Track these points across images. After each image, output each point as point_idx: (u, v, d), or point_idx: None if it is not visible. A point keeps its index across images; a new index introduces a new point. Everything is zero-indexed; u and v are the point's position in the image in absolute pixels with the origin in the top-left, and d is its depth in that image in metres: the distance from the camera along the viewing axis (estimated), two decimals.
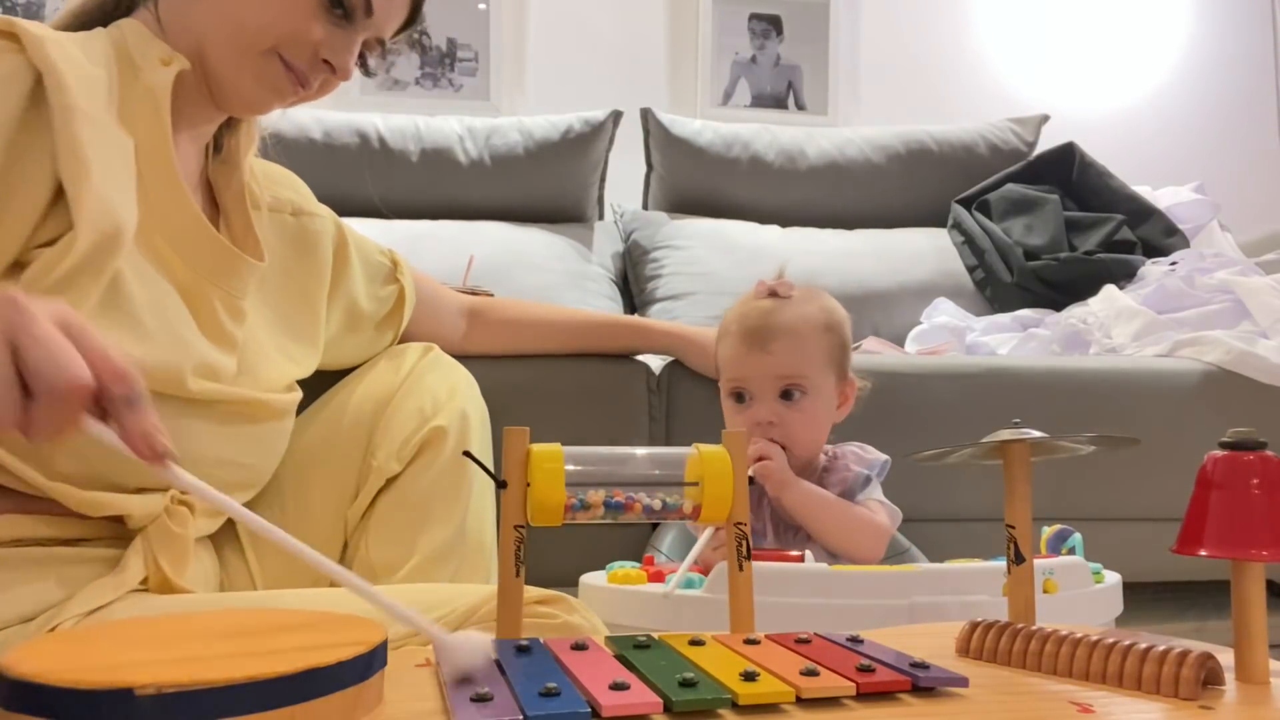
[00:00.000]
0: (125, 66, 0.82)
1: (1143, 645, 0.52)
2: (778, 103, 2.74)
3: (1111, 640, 0.54)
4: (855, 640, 0.58)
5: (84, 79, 0.77)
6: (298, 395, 0.95)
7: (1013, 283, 2.12)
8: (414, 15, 0.92)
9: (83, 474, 0.76)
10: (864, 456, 1.12)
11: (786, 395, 1.08)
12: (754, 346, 1.09)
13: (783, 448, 1.07)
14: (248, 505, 0.92)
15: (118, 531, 0.81)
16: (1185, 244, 2.17)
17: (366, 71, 0.92)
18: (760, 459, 1.05)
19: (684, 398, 1.42)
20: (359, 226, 1.13)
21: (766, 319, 1.10)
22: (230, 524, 0.93)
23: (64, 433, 0.52)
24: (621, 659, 0.53)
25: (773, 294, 1.12)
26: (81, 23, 0.86)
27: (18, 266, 0.74)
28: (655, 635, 0.58)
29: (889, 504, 1.10)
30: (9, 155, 0.73)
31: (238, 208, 0.93)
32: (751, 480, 0.65)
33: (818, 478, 1.11)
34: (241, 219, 0.93)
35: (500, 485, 0.61)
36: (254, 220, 0.93)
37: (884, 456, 1.12)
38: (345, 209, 1.08)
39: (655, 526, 1.26)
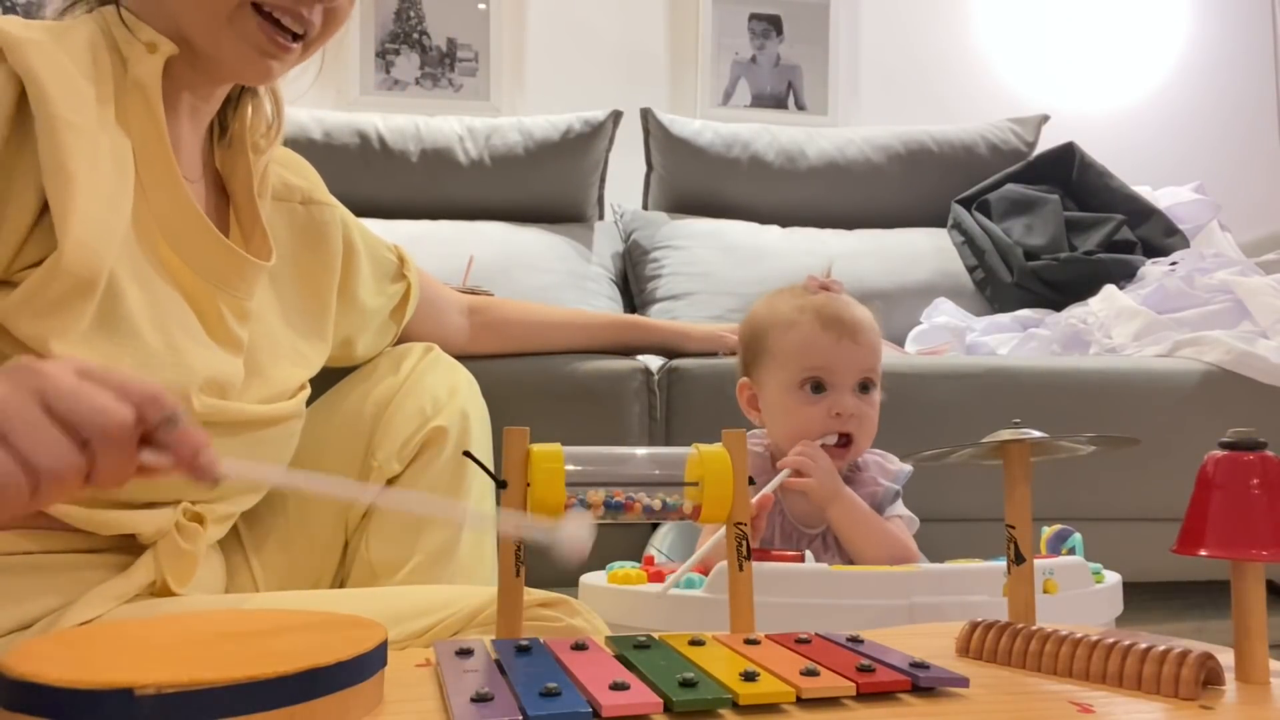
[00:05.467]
0: (114, 59, 0.78)
1: (1143, 645, 0.52)
2: (778, 103, 2.74)
3: (1111, 640, 0.54)
4: (855, 640, 0.58)
5: (69, 84, 0.72)
6: (306, 393, 0.93)
7: (1013, 283, 2.12)
8: None
9: (89, 493, 0.75)
10: (888, 467, 1.11)
11: (863, 388, 1.08)
12: (844, 335, 1.07)
13: (848, 441, 1.06)
14: (252, 507, 0.93)
15: (125, 543, 0.79)
16: (1185, 244, 2.17)
17: None
18: (799, 473, 1.03)
19: (684, 398, 1.42)
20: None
21: (850, 311, 1.08)
22: (234, 528, 0.93)
23: (129, 472, 0.51)
24: (621, 659, 0.53)
25: (824, 289, 1.12)
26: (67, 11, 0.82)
27: (3, 285, 0.71)
28: (655, 635, 0.58)
29: (910, 515, 1.10)
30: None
31: (246, 196, 0.90)
32: (752, 480, 0.65)
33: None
34: (250, 209, 0.89)
35: (500, 485, 0.61)
36: (262, 209, 0.90)
37: (907, 467, 1.11)
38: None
39: (655, 526, 1.25)
